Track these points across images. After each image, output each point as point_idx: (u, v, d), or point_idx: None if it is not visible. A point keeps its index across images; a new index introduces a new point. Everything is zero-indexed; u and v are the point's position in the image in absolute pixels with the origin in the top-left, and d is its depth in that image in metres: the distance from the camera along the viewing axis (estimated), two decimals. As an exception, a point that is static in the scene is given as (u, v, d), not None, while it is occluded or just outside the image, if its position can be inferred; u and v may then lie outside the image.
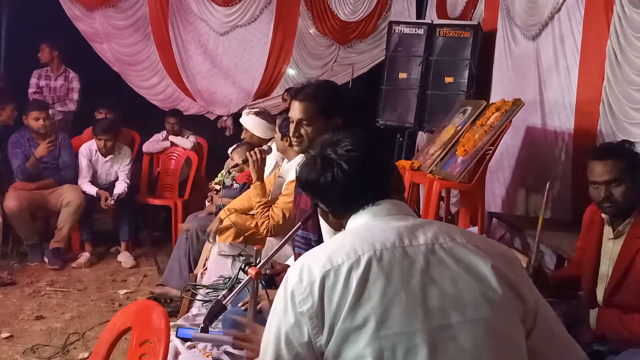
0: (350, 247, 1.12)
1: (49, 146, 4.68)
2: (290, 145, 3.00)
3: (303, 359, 1.09)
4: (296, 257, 2.28)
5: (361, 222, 1.22)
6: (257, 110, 4.05)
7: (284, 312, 1.11)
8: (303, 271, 1.11)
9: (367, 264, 1.09)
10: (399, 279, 1.08)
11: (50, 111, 5.39)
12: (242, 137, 4.07)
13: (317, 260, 1.12)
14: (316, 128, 2.13)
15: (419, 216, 2.52)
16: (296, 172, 1.34)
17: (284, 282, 1.14)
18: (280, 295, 1.13)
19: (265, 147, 3.24)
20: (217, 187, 3.89)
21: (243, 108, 5.89)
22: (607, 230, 2.15)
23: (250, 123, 3.93)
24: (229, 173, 3.81)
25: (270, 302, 1.83)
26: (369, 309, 1.05)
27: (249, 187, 3.43)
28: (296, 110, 2.16)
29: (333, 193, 1.25)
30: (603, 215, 2.15)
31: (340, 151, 1.24)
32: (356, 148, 1.24)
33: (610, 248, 2.11)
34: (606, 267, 2.11)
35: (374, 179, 1.25)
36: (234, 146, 4.09)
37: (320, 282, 1.08)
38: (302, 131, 2.15)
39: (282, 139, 3.05)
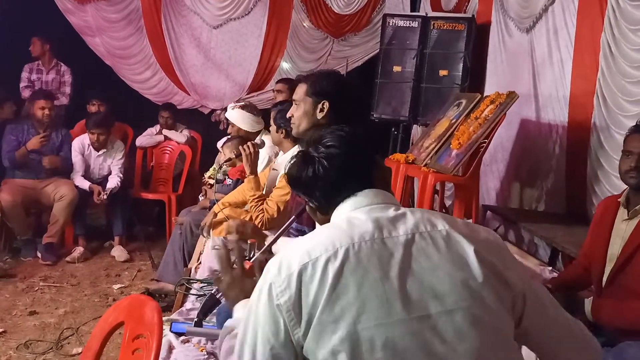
0: (329, 240, 1.12)
1: (41, 140, 4.65)
2: (286, 137, 2.99)
3: (278, 352, 1.09)
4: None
5: (343, 214, 1.22)
6: (243, 103, 4.01)
7: (261, 303, 1.11)
8: (282, 264, 1.12)
9: (344, 257, 1.08)
10: (377, 271, 1.08)
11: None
12: (228, 131, 4.04)
13: (296, 253, 1.12)
14: (304, 110, 2.13)
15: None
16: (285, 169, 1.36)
17: (263, 274, 1.14)
18: (259, 287, 1.14)
19: (258, 140, 3.22)
20: (211, 181, 3.87)
21: (238, 102, 5.86)
22: (622, 212, 2.17)
23: (236, 117, 3.90)
24: (220, 167, 3.79)
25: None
26: (345, 301, 1.05)
27: (242, 183, 3.41)
28: (295, 93, 2.20)
29: (315, 189, 1.27)
30: (620, 199, 2.18)
31: (320, 148, 1.26)
32: (337, 144, 1.26)
33: (623, 229, 2.13)
34: (617, 248, 2.12)
35: (355, 174, 1.25)
36: (224, 140, 4.05)
37: (298, 274, 1.08)
38: (294, 112, 2.17)
39: (277, 131, 3.03)
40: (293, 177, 1.30)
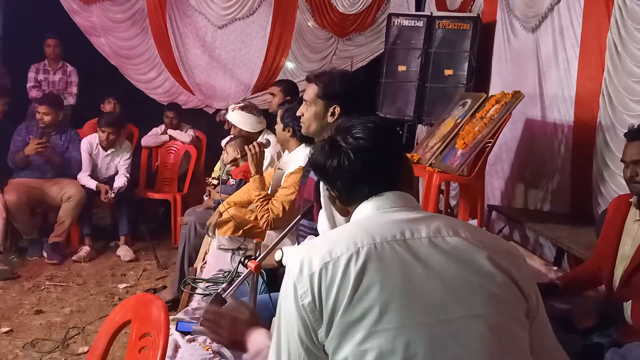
0: (351, 239, 1.11)
1: (37, 147, 4.63)
2: (293, 136, 2.98)
3: (312, 351, 1.08)
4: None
5: (365, 213, 1.21)
6: (242, 104, 3.99)
7: (288, 304, 1.10)
8: (303, 263, 1.10)
9: (366, 257, 1.07)
10: (399, 272, 1.07)
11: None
12: (231, 132, 4.03)
13: (317, 251, 1.11)
14: (314, 111, 2.13)
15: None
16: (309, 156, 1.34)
17: (286, 275, 1.13)
18: (285, 289, 1.13)
19: (263, 140, 3.22)
20: (215, 181, 3.87)
21: (242, 101, 5.87)
22: (633, 213, 2.15)
23: (237, 118, 3.88)
24: (225, 167, 3.79)
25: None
26: (367, 302, 1.04)
27: (245, 184, 3.41)
28: (305, 91, 2.20)
29: (338, 179, 1.25)
30: (631, 199, 2.16)
31: (349, 139, 1.24)
32: (366, 137, 1.23)
33: (635, 230, 2.11)
34: (628, 248, 2.10)
35: (381, 169, 1.23)
36: (227, 139, 4.05)
37: (319, 274, 1.07)
38: (304, 112, 2.17)
39: (284, 130, 3.03)
40: (317, 164, 1.28)
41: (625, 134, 2.17)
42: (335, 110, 2.10)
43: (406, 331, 1.04)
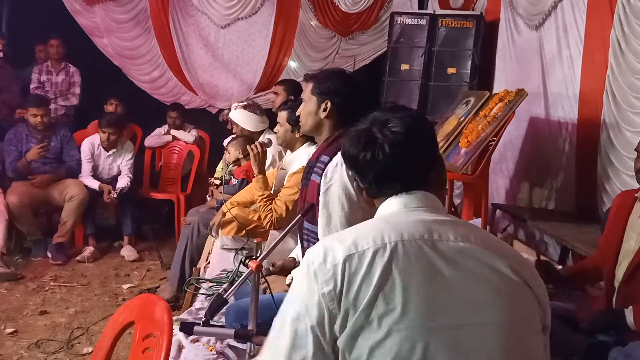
0: (378, 233, 1.09)
1: (40, 151, 4.63)
2: (302, 136, 2.96)
3: (320, 342, 1.05)
4: (305, 250, 2.25)
5: (391, 209, 1.19)
6: (245, 103, 3.99)
7: (306, 293, 1.07)
8: (327, 253, 1.08)
9: (392, 252, 1.06)
10: (425, 273, 1.06)
11: (52, 106, 5.40)
12: (233, 131, 4.03)
13: (342, 242, 1.09)
14: (308, 108, 2.14)
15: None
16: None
17: (305, 263, 1.10)
18: (303, 275, 1.10)
19: (265, 139, 3.21)
20: (217, 181, 3.87)
21: (245, 100, 5.87)
22: (638, 208, 2.13)
23: (240, 117, 3.87)
24: (227, 167, 3.79)
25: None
26: (390, 299, 1.03)
27: (247, 184, 3.40)
28: (303, 91, 2.21)
29: (370, 172, 1.23)
30: (636, 194, 2.15)
31: (386, 132, 1.21)
32: (403, 132, 1.21)
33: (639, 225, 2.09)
34: (633, 243, 2.09)
35: (414, 167, 1.21)
36: (230, 139, 4.05)
37: (343, 265, 1.05)
38: (301, 110, 2.18)
39: (292, 131, 2.99)
40: (350, 156, 1.26)
41: None
42: (327, 106, 2.08)
43: (426, 333, 1.02)
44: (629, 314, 1.99)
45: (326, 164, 1.99)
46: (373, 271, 1.04)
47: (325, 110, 2.09)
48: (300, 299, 1.08)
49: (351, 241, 1.09)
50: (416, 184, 1.21)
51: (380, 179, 1.22)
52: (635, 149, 2.16)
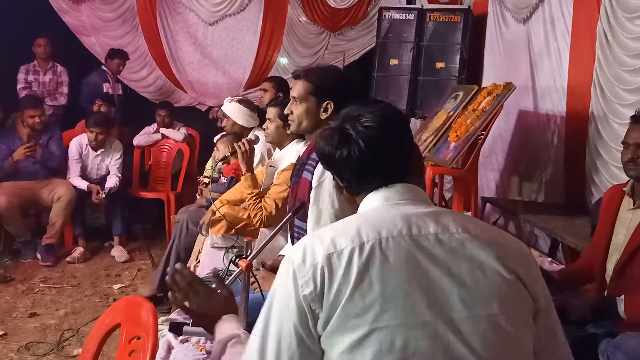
0: (356, 231, 1.08)
1: (26, 151, 4.59)
2: (291, 133, 2.94)
3: (305, 343, 1.04)
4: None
5: (373, 205, 1.18)
6: (240, 98, 3.99)
7: (286, 292, 1.06)
8: (307, 252, 1.07)
9: (370, 251, 1.05)
10: (404, 269, 1.05)
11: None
12: (223, 125, 4.00)
13: (321, 242, 1.08)
14: (306, 108, 2.11)
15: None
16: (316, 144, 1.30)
17: (286, 263, 1.09)
18: (282, 276, 1.09)
19: (252, 137, 3.19)
20: (206, 180, 3.85)
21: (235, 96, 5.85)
22: (627, 202, 2.14)
23: (233, 111, 3.85)
24: (216, 165, 3.77)
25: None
26: (369, 297, 1.02)
27: (237, 182, 3.39)
28: (293, 88, 2.17)
29: (347, 169, 1.22)
30: (624, 188, 2.16)
31: (359, 127, 1.20)
32: (376, 125, 1.20)
33: (629, 219, 2.09)
34: (622, 237, 2.09)
35: (391, 160, 1.20)
36: (219, 136, 4.03)
37: (322, 265, 1.04)
38: (294, 109, 2.14)
39: (284, 127, 2.97)
40: (326, 155, 1.25)
41: (631, 117, 2.17)
42: (329, 106, 2.08)
43: (407, 329, 1.02)
44: (620, 303, 1.99)
45: (318, 161, 1.98)
46: (351, 270, 1.03)
47: (326, 110, 2.08)
48: (282, 300, 1.07)
49: (330, 240, 1.08)
50: (395, 176, 1.20)
51: (359, 175, 1.21)
52: (623, 141, 2.16)
